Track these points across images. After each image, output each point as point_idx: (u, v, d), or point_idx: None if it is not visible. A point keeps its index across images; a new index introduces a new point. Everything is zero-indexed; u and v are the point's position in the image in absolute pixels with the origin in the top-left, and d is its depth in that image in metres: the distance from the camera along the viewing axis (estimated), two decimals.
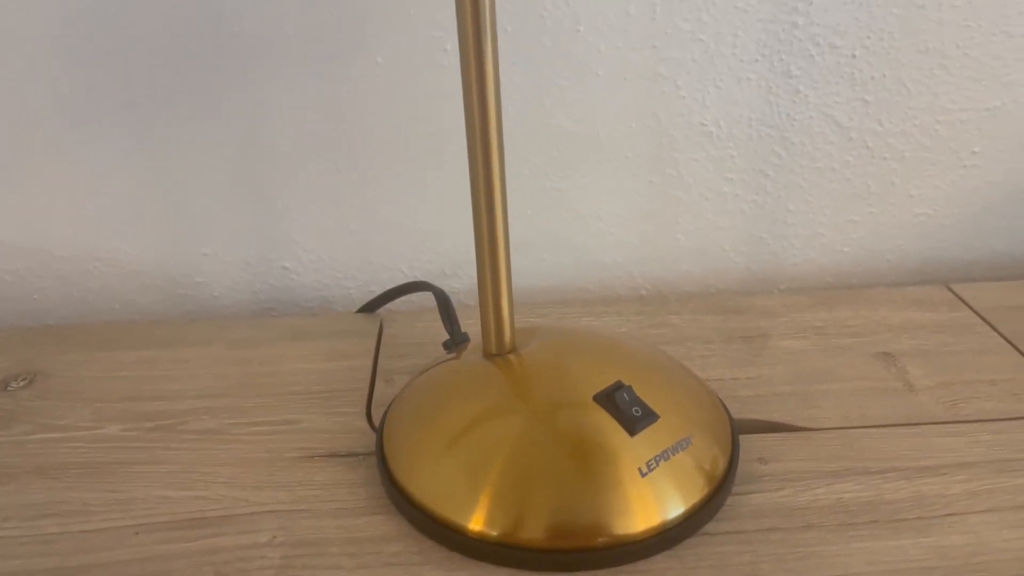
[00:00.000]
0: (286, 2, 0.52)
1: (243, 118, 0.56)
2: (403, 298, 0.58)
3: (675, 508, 0.37)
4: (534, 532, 0.36)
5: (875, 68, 0.56)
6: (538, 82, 0.56)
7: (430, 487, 0.38)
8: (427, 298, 0.58)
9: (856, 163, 0.60)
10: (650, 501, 0.37)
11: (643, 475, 0.37)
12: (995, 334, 0.53)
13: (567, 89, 0.56)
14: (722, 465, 0.40)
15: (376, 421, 0.46)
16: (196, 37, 0.53)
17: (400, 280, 0.62)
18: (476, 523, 0.37)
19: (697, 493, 0.38)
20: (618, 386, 0.40)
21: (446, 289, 0.58)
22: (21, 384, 0.51)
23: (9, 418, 0.47)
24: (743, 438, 0.43)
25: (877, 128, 0.58)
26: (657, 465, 0.37)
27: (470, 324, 0.50)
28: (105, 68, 0.54)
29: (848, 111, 0.58)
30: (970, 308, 0.56)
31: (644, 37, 0.54)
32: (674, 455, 0.38)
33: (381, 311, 0.59)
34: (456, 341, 0.49)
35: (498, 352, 0.43)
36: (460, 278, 0.63)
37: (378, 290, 0.60)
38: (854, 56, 0.56)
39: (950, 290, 0.58)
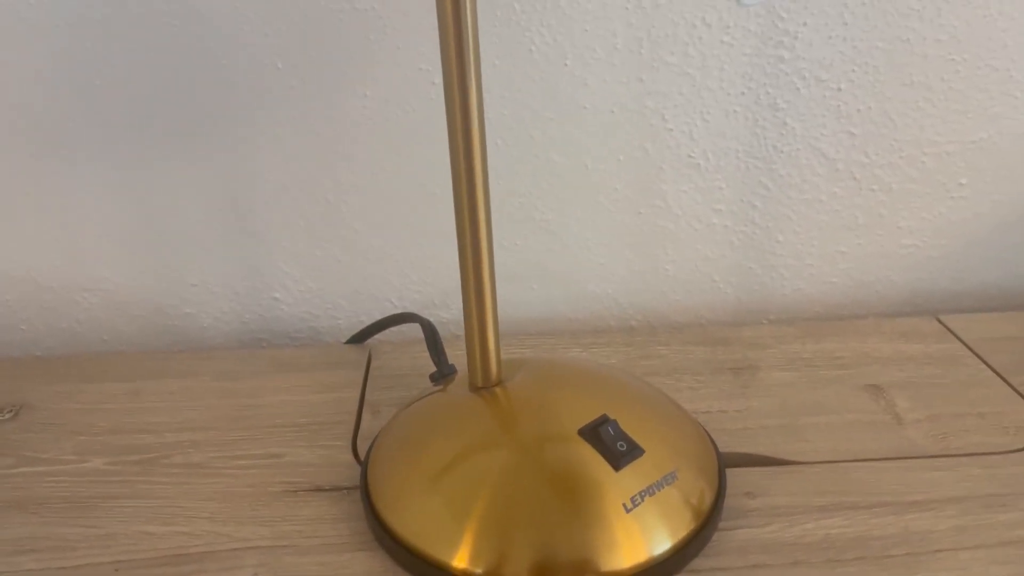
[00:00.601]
0: (275, 36, 0.53)
1: (232, 149, 0.56)
2: (392, 329, 0.58)
3: (662, 544, 0.37)
4: (519, 569, 0.36)
5: (861, 101, 0.57)
6: (526, 115, 0.56)
7: (414, 523, 0.38)
8: (416, 328, 0.58)
9: (843, 195, 0.60)
10: (636, 536, 0.37)
11: (628, 510, 0.37)
12: (984, 366, 0.53)
13: (555, 122, 0.56)
14: (709, 499, 0.39)
15: (362, 454, 0.46)
16: (185, 69, 0.53)
17: (389, 311, 0.62)
18: (460, 560, 0.36)
19: (684, 528, 0.38)
20: (603, 420, 0.39)
21: (435, 320, 0.58)
22: (7, 416, 0.51)
23: None
24: (730, 472, 0.43)
25: (864, 160, 0.59)
26: (643, 500, 0.37)
27: (459, 356, 0.50)
28: (92, 99, 0.54)
29: (835, 143, 0.58)
30: (959, 340, 0.56)
31: (631, 71, 0.55)
32: (660, 490, 0.38)
33: (370, 342, 0.59)
34: (443, 373, 0.48)
35: (484, 385, 0.43)
36: (449, 308, 0.63)
37: (367, 320, 0.60)
38: (840, 89, 0.56)
39: (939, 321, 0.58)
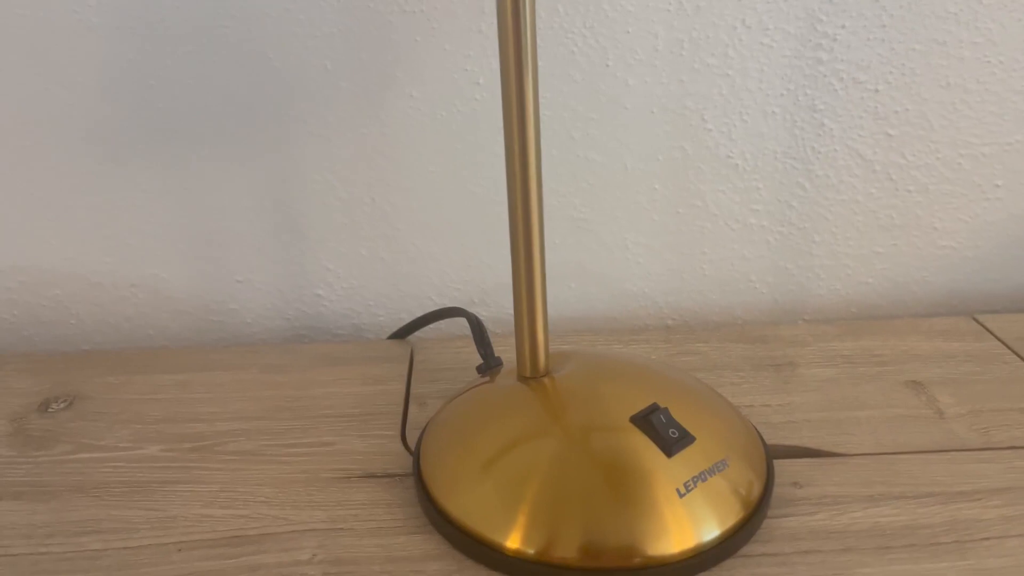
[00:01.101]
0: (325, 38, 0.54)
1: (279, 149, 0.57)
2: (431, 326, 0.59)
3: (711, 530, 0.38)
4: (571, 551, 0.36)
5: (898, 102, 0.57)
6: (567, 115, 0.57)
7: (468, 506, 0.39)
8: (455, 325, 0.59)
9: (880, 195, 0.61)
10: (686, 523, 0.37)
11: (681, 496, 0.37)
12: (1023, 363, 0.53)
13: (595, 122, 0.57)
14: (757, 488, 0.40)
15: (411, 443, 0.47)
16: (235, 71, 0.55)
17: (429, 308, 0.63)
18: (514, 542, 0.37)
19: (733, 516, 0.38)
20: (654, 408, 0.40)
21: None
22: (61, 406, 0.52)
23: (50, 438, 0.48)
24: (777, 463, 0.43)
25: (900, 161, 0.59)
26: (695, 486, 0.38)
27: (500, 351, 0.51)
28: (145, 101, 0.55)
29: (872, 144, 0.59)
30: (997, 338, 0.56)
31: (672, 72, 0.56)
32: (711, 477, 0.38)
33: (411, 338, 0.60)
34: (490, 365, 0.49)
35: (532, 375, 0.44)
36: (488, 306, 0.64)
37: (408, 318, 0.61)
38: (877, 91, 0.57)
39: (976, 321, 0.59)
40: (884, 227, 0.62)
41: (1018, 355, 0.54)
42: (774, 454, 0.44)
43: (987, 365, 0.53)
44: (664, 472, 0.38)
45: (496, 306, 0.64)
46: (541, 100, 0.56)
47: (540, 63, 0.55)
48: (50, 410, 0.51)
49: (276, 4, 0.53)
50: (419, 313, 0.61)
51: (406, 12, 0.54)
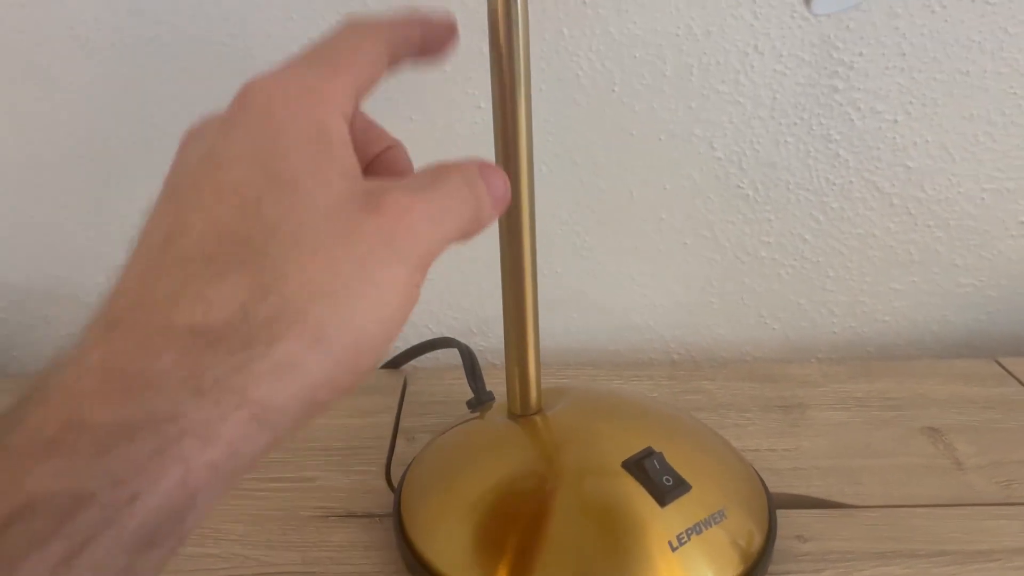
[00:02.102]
0: None
1: None
2: (428, 354, 0.57)
3: None
4: None
5: (917, 134, 0.55)
6: (571, 141, 0.55)
7: (448, 553, 0.37)
8: (452, 355, 0.57)
9: (898, 230, 0.58)
10: None
11: (674, 549, 0.35)
12: None
13: (600, 148, 0.55)
14: (758, 541, 0.37)
15: (396, 480, 0.45)
16: (234, 89, 0.53)
17: (426, 336, 0.61)
18: None
19: (731, 571, 0.36)
20: (648, 452, 0.38)
21: (472, 347, 0.56)
22: None
23: None
24: (781, 513, 0.41)
25: (920, 195, 0.57)
26: (689, 539, 0.35)
27: (496, 384, 0.49)
28: (141, 118, 0.54)
29: (890, 176, 0.56)
30: (1020, 383, 0.53)
31: (680, 98, 0.54)
32: (707, 528, 0.36)
33: (405, 367, 0.58)
34: (480, 400, 0.47)
35: (523, 412, 0.41)
36: (487, 336, 0.62)
37: (403, 345, 0.59)
38: (896, 121, 0.55)
39: (999, 364, 0.56)
40: (902, 263, 0.59)
41: None
42: (778, 503, 0.41)
43: (1009, 412, 0.50)
44: (657, 523, 0.36)
45: (495, 336, 0.62)
46: (545, 124, 0.55)
47: (544, 87, 0.54)
48: None
49: (277, 23, 0.52)
50: (415, 341, 0.59)
51: None
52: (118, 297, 0.21)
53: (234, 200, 0.21)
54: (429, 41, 0.29)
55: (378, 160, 0.28)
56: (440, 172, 0.24)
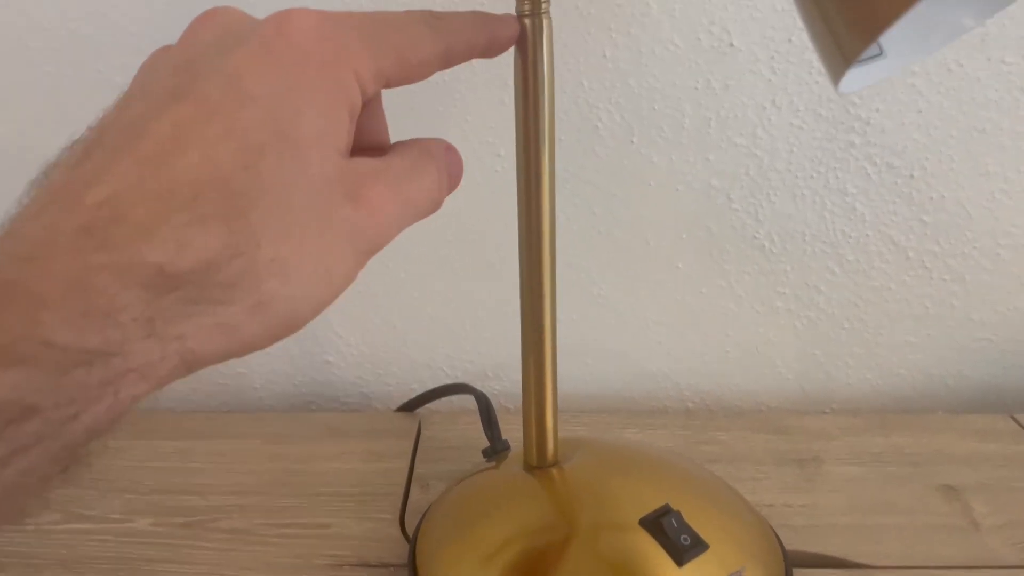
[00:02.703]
0: None
1: None
2: (444, 399, 0.57)
3: None
4: None
5: (934, 189, 0.55)
6: (589, 191, 0.56)
7: None
8: (466, 399, 0.57)
9: (913, 283, 0.58)
10: None
11: None
12: None
13: (618, 198, 0.56)
14: None
15: (410, 529, 0.45)
16: None
17: (441, 379, 0.61)
18: None
19: None
20: (666, 510, 0.38)
21: (487, 391, 0.56)
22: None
23: (39, 505, 0.47)
24: (798, 572, 0.40)
25: (936, 249, 0.57)
26: None
27: (511, 430, 0.49)
28: None
29: (906, 230, 0.57)
30: None
31: (698, 150, 0.54)
32: None
33: (420, 411, 0.58)
34: (496, 449, 0.47)
35: (539, 465, 0.41)
36: (502, 380, 0.62)
37: (419, 388, 0.59)
38: (912, 176, 0.55)
39: (1015, 420, 0.56)
40: (918, 316, 0.59)
41: None
42: (795, 562, 0.41)
43: None
44: None
45: (510, 381, 0.62)
46: (563, 174, 0.55)
47: (563, 137, 0.54)
48: None
49: None
50: (431, 384, 0.59)
51: (429, 82, 0.52)
52: (99, 183, 0.20)
53: (240, 142, 0.21)
54: (490, 48, 0.30)
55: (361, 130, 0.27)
56: (419, 163, 0.26)
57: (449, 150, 0.28)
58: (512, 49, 0.34)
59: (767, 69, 0.53)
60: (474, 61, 0.53)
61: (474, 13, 0.29)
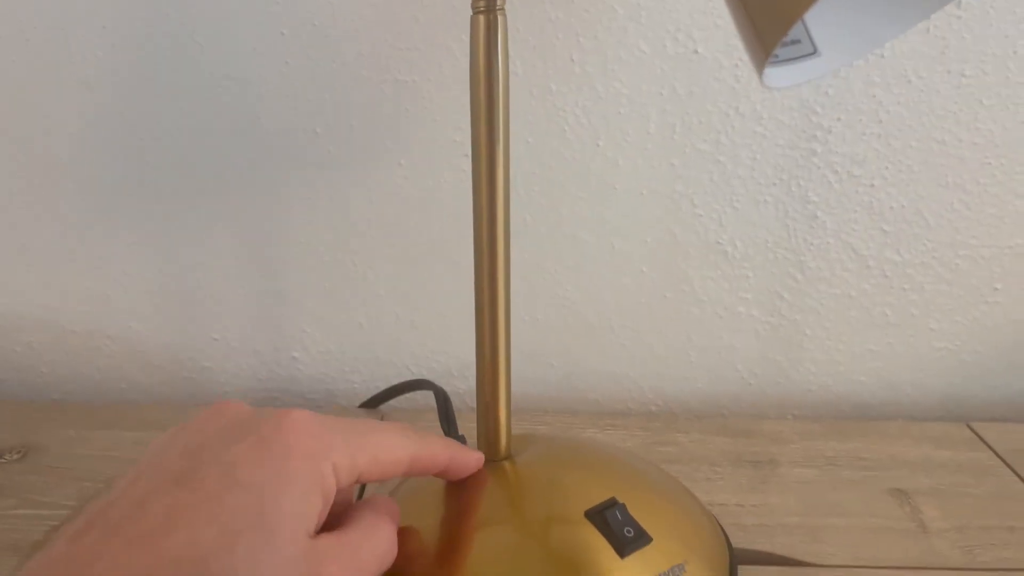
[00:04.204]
0: (318, 103, 0.54)
1: (265, 209, 0.57)
2: (406, 396, 0.57)
3: None
4: None
5: (894, 199, 0.56)
6: (556, 193, 0.56)
7: None
8: (430, 397, 0.57)
9: (874, 292, 0.59)
10: None
11: None
12: (1016, 478, 0.50)
13: (584, 201, 0.57)
14: None
15: None
16: (225, 130, 0.55)
17: (407, 377, 0.62)
18: None
19: None
20: (611, 503, 0.38)
21: (450, 390, 0.57)
22: (15, 457, 0.50)
23: None
24: (743, 570, 0.41)
25: (896, 258, 0.58)
26: None
27: (472, 428, 0.49)
28: (133, 154, 0.56)
29: (866, 239, 0.57)
30: (991, 449, 0.54)
31: (663, 155, 0.55)
32: None
33: (383, 407, 0.58)
34: None
35: (491, 458, 0.42)
36: (466, 379, 0.62)
37: (383, 386, 0.59)
38: (872, 185, 0.56)
39: (971, 429, 0.56)
40: (878, 325, 0.60)
41: (1012, 469, 0.51)
42: (741, 559, 0.42)
43: (978, 477, 0.50)
44: (616, 573, 0.36)
45: (475, 380, 0.62)
46: (530, 176, 0.56)
47: (531, 139, 0.55)
48: (2, 460, 0.50)
49: (273, 68, 0.54)
50: (395, 380, 0.59)
51: (398, 82, 0.54)
52: (96, 562, 0.24)
53: (221, 527, 0.25)
54: (449, 468, 0.36)
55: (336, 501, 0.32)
56: (371, 527, 0.31)
57: (389, 500, 0.34)
58: (467, 45, 0.35)
59: (731, 77, 0.53)
60: (443, 60, 0.53)
61: (446, 439, 0.36)
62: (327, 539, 0.28)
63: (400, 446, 0.32)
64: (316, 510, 0.28)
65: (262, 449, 0.27)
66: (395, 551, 0.32)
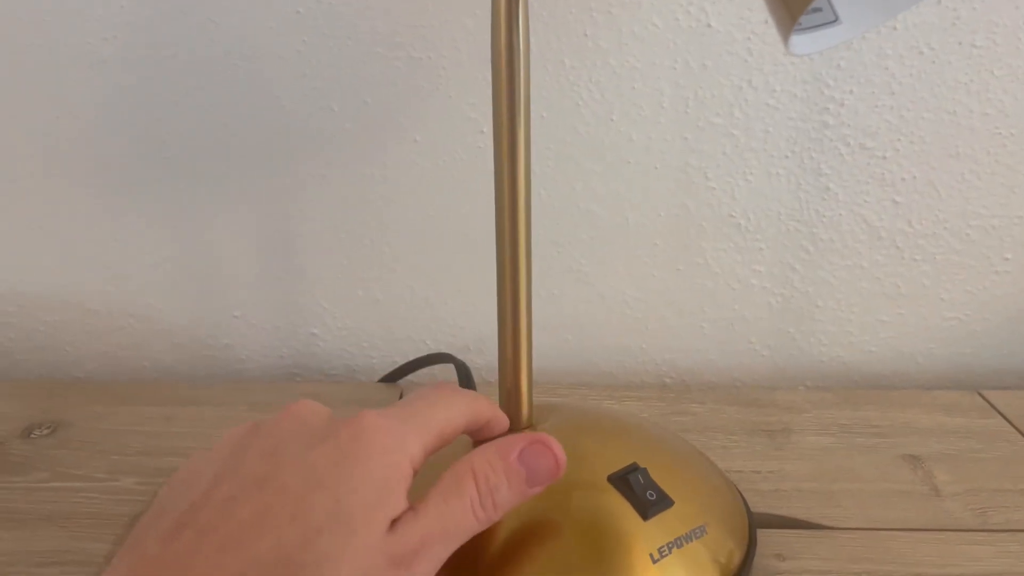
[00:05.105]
0: (334, 80, 0.55)
1: (283, 187, 0.58)
2: (424, 371, 0.58)
3: None
4: None
5: (905, 170, 0.57)
6: (570, 167, 0.57)
7: None
8: (447, 372, 0.58)
9: (886, 263, 0.60)
10: None
11: (655, 561, 0.36)
12: None
13: (598, 175, 0.57)
14: (737, 558, 0.38)
15: None
16: (242, 108, 0.55)
17: (424, 352, 0.62)
18: None
19: None
20: (633, 468, 0.39)
21: (469, 365, 0.58)
22: (44, 432, 0.51)
23: (28, 465, 0.48)
24: (761, 533, 0.42)
25: (907, 229, 0.58)
26: (669, 552, 0.36)
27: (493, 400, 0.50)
28: (151, 134, 0.56)
29: (878, 210, 0.58)
30: (1002, 415, 0.55)
31: (676, 129, 0.56)
32: (688, 543, 0.37)
33: (402, 382, 0.59)
34: None
35: (513, 427, 0.43)
36: (483, 354, 0.63)
37: (401, 361, 0.60)
38: (884, 157, 0.56)
39: (981, 396, 0.57)
40: (889, 295, 0.61)
41: (1022, 433, 0.52)
42: (758, 523, 0.43)
43: (989, 443, 0.51)
44: (639, 535, 0.37)
45: (491, 354, 0.63)
46: (545, 151, 0.56)
47: (545, 114, 0.55)
48: (32, 436, 0.51)
49: (288, 46, 0.54)
50: (413, 356, 0.60)
51: (413, 59, 0.54)
52: (188, 568, 0.25)
53: (304, 525, 0.26)
54: (486, 430, 0.37)
55: None
56: (450, 502, 0.31)
57: (492, 465, 0.33)
58: (489, 23, 0.35)
59: (743, 50, 0.54)
60: (457, 36, 0.54)
61: (483, 396, 0.37)
62: (404, 525, 0.29)
63: (459, 414, 0.34)
64: (395, 497, 0.29)
65: (340, 451, 0.29)
66: (477, 522, 0.32)
